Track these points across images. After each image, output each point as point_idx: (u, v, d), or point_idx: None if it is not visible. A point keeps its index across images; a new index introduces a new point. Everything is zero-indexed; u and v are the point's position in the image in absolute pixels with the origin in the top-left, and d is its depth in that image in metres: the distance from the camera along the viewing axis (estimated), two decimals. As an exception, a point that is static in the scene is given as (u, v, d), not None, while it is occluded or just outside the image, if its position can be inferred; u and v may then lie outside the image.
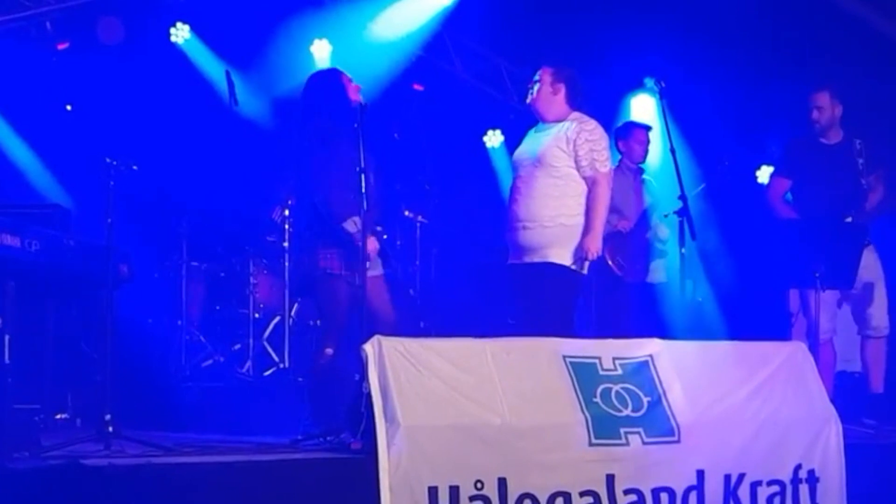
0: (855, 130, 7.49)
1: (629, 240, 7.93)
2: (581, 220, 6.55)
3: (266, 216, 9.03)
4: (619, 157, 8.27)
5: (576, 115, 6.73)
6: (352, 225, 6.14)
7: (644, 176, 8.35)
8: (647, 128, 8.37)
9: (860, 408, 7.21)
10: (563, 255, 6.52)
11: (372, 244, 6.18)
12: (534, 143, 6.77)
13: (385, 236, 6.32)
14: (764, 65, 9.96)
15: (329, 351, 6.19)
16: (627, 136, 8.28)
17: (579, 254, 6.51)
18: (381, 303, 6.32)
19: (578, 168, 6.58)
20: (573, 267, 6.53)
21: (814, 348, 6.58)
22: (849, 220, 7.20)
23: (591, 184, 6.58)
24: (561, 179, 6.58)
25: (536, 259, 6.58)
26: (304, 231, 6.47)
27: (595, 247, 6.51)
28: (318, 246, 6.25)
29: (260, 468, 4.94)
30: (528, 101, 6.89)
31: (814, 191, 7.49)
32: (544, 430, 5.20)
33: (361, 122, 6.14)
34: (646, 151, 8.31)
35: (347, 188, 6.09)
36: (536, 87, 6.81)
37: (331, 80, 6.53)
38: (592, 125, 6.67)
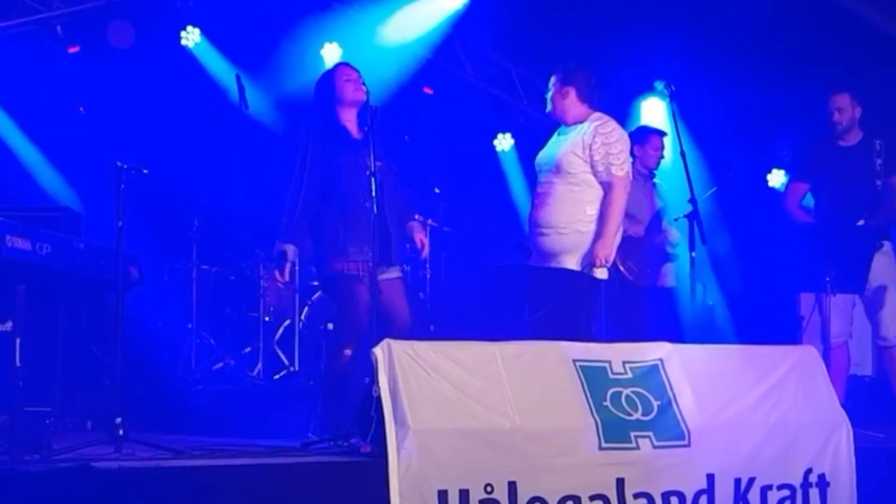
0: (869, 133, 7.45)
1: (640, 245, 7.91)
2: (590, 227, 6.53)
3: (277, 220, 9.03)
4: (632, 161, 8.25)
5: (596, 115, 6.68)
6: (287, 250, 6.30)
7: (655, 180, 8.33)
8: (663, 133, 8.34)
9: (877, 414, 7.19)
10: (578, 262, 6.52)
11: (282, 274, 6.37)
12: (554, 147, 6.75)
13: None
14: (773, 68, 9.95)
15: (348, 352, 6.20)
16: (644, 142, 8.24)
17: (588, 259, 6.48)
18: (399, 306, 6.34)
19: (595, 172, 6.54)
20: (589, 273, 6.48)
21: (825, 352, 6.57)
22: (861, 223, 7.15)
23: (607, 188, 6.52)
24: (577, 185, 6.56)
25: (553, 265, 6.58)
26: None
27: (604, 253, 6.45)
28: (336, 248, 6.26)
29: (270, 471, 4.94)
30: (547, 111, 6.89)
31: (828, 194, 7.45)
32: (554, 433, 5.19)
33: (372, 125, 6.16)
34: (661, 157, 8.28)
35: (331, 206, 6.19)
36: (549, 95, 6.81)
37: (322, 83, 6.54)
38: (610, 127, 6.61)
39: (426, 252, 6.59)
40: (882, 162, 7.19)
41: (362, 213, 6.08)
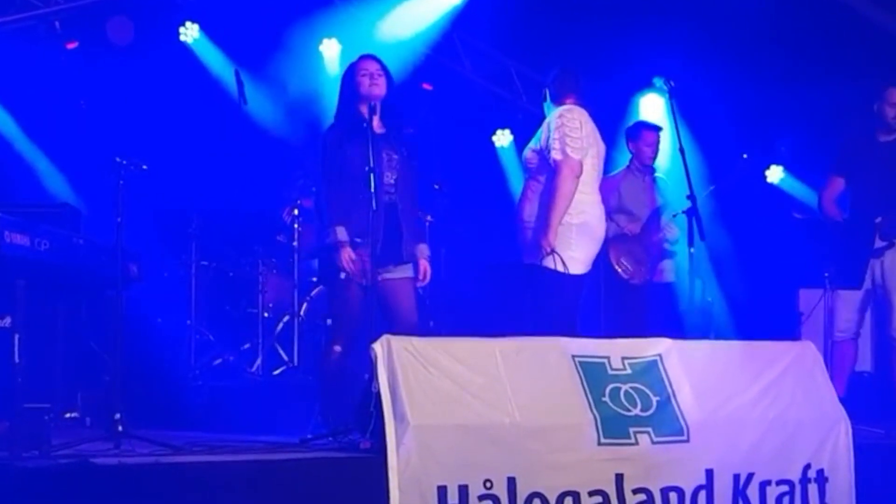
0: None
1: (636, 242, 7.92)
2: (566, 219, 6.51)
3: (276, 216, 9.04)
4: (630, 157, 8.25)
5: (554, 111, 6.72)
6: (339, 233, 6.09)
7: (657, 175, 8.31)
8: (657, 128, 8.32)
9: (876, 409, 7.20)
10: (538, 256, 6.54)
11: (346, 255, 6.09)
12: None
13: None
14: (773, 64, 9.95)
15: (337, 348, 6.18)
16: (636, 138, 8.23)
17: (536, 252, 6.50)
18: (406, 307, 6.30)
19: (547, 160, 6.55)
20: (551, 266, 6.46)
21: (828, 347, 6.60)
22: (878, 220, 7.11)
23: (553, 173, 6.50)
24: (537, 182, 6.63)
25: (527, 260, 6.66)
26: (320, 229, 6.41)
27: (546, 241, 6.43)
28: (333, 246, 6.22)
29: (269, 467, 4.94)
30: None
31: (860, 189, 7.38)
32: (553, 429, 5.20)
33: (370, 120, 6.15)
34: (655, 152, 8.26)
35: (345, 193, 6.10)
36: None
37: (345, 75, 6.47)
38: (556, 113, 6.61)
39: (426, 281, 6.48)
40: None
41: (371, 208, 6.02)
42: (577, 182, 6.48)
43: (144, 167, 5.99)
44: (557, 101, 6.77)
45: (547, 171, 6.54)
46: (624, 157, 8.27)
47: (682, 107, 7.12)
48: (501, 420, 5.10)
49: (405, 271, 6.32)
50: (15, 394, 5.42)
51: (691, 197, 6.83)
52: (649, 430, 5.39)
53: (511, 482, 5.04)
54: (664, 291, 8.01)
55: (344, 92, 6.42)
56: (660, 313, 7.78)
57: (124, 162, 5.83)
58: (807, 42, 9.51)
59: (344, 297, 6.22)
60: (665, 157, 8.36)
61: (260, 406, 7.38)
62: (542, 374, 5.31)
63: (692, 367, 5.64)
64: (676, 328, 7.03)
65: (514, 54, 11.41)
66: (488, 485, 5.00)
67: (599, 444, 5.26)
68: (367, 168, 5.95)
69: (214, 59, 10.26)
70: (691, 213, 6.84)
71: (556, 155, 6.47)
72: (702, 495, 5.42)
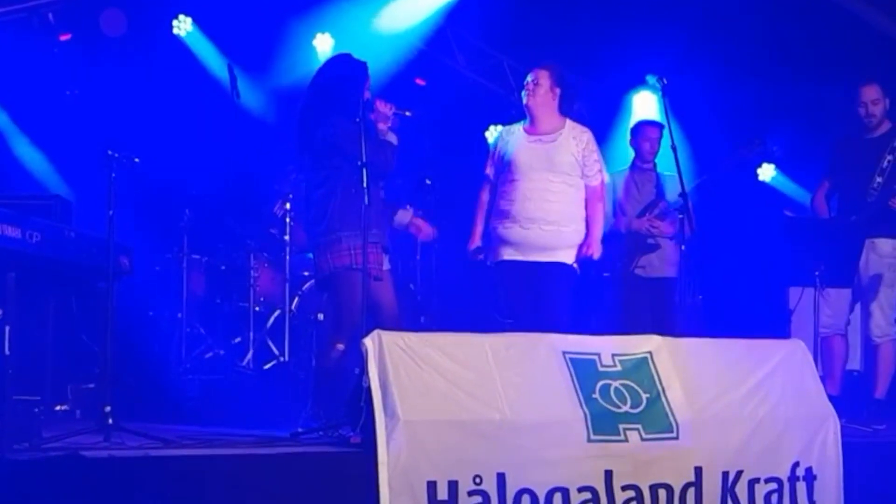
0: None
1: (614, 240, 7.95)
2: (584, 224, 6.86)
3: (267, 210, 9.03)
4: (633, 156, 8.25)
5: (571, 122, 6.95)
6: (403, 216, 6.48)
7: (658, 170, 8.30)
8: (657, 125, 8.30)
9: (864, 408, 7.23)
10: (570, 257, 6.81)
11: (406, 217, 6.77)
12: (539, 150, 6.88)
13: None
14: (765, 63, 9.96)
15: (340, 346, 6.17)
16: (636, 135, 8.24)
17: (578, 255, 6.82)
18: (390, 297, 6.37)
19: (583, 176, 6.88)
20: (576, 267, 6.85)
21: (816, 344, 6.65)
22: (853, 218, 7.16)
23: (594, 192, 6.91)
24: (573, 187, 6.86)
25: (547, 259, 6.77)
26: (319, 223, 6.36)
27: (596, 250, 6.86)
28: (342, 240, 6.22)
29: (259, 461, 4.95)
30: (525, 101, 6.99)
31: (840, 188, 7.49)
32: (543, 425, 5.20)
33: (364, 117, 6.14)
34: (653, 148, 8.23)
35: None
36: (535, 90, 6.91)
37: (356, 75, 6.45)
38: (589, 135, 6.95)
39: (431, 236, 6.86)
40: (892, 158, 7.19)
41: (373, 202, 6.04)
42: None
43: (136, 160, 5.99)
44: (564, 108, 7.01)
45: (589, 186, 6.93)
46: (618, 155, 8.28)
47: (674, 105, 7.13)
48: (491, 416, 5.11)
49: (386, 262, 6.42)
50: (5, 386, 5.41)
51: (682, 194, 6.84)
52: (639, 427, 5.40)
53: (501, 478, 5.05)
54: (653, 287, 8.00)
55: (356, 90, 6.36)
56: (649, 309, 7.81)
57: (116, 155, 5.83)
58: (799, 41, 9.52)
59: (354, 295, 6.11)
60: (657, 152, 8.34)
61: (250, 400, 7.38)
62: (532, 370, 5.32)
63: (682, 365, 5.65)
64: (665, 325, 7.04)
65: (507, 50, 11.40)
66: (478, 480, 5.00)
67: (589, 440, 5.26)
68: (359, 163, 5.96)
69: (207, 53, 10.25)
70: (682, 210, 6.85)
71: (595, 181, 6.93)
72: (690, 493, 5.43)
